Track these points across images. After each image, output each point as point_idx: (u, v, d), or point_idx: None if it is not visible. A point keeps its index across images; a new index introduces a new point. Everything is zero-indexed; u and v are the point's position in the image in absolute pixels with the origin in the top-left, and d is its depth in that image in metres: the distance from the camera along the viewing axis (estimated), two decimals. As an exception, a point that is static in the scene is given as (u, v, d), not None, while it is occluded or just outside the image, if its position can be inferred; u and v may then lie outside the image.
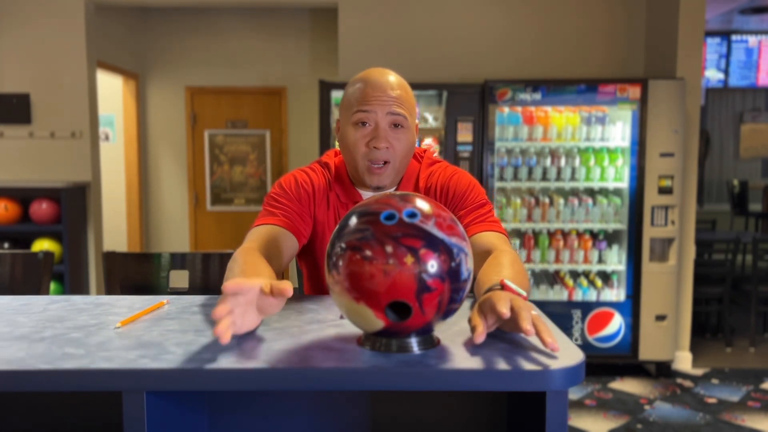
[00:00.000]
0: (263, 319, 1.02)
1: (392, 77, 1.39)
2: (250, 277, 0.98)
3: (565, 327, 3.75)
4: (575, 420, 3.11)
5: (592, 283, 3.86)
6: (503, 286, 0.98)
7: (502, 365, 0.84)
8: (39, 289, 1.62)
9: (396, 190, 1.47)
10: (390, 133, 1.37)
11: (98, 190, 4.37)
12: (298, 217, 1.40)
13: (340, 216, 1.45)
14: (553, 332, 0.99)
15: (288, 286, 0.90)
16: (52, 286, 4.00)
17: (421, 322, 0.87)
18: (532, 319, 0.89)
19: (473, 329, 0.91)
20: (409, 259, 0.84)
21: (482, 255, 1.26)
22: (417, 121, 1.47)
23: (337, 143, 3.84)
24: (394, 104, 1.36)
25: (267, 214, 1.39)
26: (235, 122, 5.64)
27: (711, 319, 4.85)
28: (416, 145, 1.50)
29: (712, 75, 7.37)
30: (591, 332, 3.75)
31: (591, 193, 3.90)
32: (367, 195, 1.45)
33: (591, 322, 3.75)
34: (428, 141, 3.83)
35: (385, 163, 1.38)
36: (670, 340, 3.72)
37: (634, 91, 3.63)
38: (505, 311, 0.89)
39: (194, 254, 1.72)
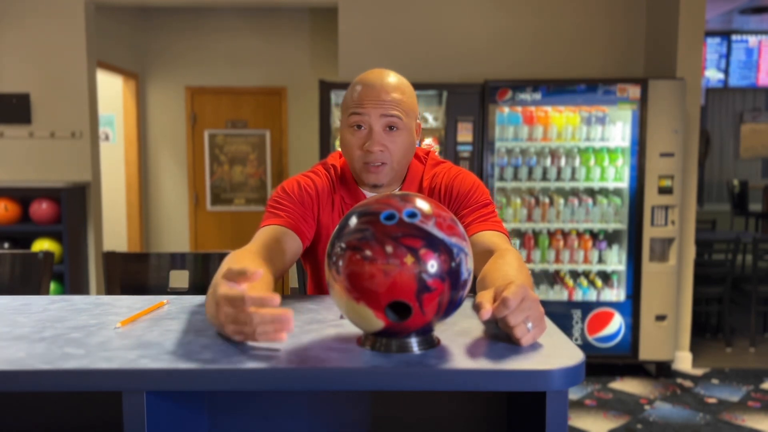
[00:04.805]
0: None
1: (391, 78, 1.39)
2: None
3: (565, 327, 3.75)
4: (575, 420, 3.11)
5: (592, 283, 3.86)
6: None
7: (502, 365, 0.84)
8: (39, 289, 1.62)
9: (399, 190, 1.47)
10: (385, 136, 1.37)
11: (98, 190, 4.37)
12: (300, 218, 1.40)
13: None
14: (552, 332, 0.99)
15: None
16: (52, 286, 4.00)
17: (421, 322, 0.87)
18: (522, 326, 0.90)
19: (478, 307, 0.89)
20: (409, 259, 0.84)
21: (484, 254, 1.26)
22: (418, 120, 1.46)
23: (338, 144, 3.84)
24: (388, 106, 1.35)
25: (270, 216, 1.39)
26: (235, 122, 5.64)
27: (711, 319, 4.85)
28: (416, 145, 1.49)
29: (712, 75, 7.37)
30: (591, 332, 3.75)
31: (591, 193, 3.90)
32: (371, 195, 1.45)
33: (591, 322, 3.74)
34: (428, 141, 3.83)
35: (382, 164, 1.38)
36: (670, 340, 3.72)
37: (634, 91, 3.63)
38: (508, 304, 0.88)
39: (194, 254, 1.72)
